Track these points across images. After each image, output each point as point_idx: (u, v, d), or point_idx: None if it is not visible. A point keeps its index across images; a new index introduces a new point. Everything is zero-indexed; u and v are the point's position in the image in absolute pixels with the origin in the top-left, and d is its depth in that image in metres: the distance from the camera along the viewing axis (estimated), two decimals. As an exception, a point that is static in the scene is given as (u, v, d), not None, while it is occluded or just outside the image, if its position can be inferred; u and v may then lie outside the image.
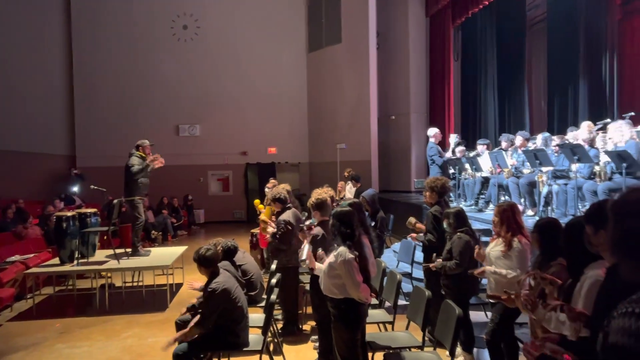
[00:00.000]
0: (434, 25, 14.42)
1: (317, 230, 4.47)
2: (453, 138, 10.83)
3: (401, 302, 5.18)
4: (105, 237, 8.95)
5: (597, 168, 6.61)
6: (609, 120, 9.05)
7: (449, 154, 10.39)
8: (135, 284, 8.24)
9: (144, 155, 7.69)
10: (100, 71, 15.97)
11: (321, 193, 4.76)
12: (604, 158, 6.53)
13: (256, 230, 8.12)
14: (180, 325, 4.58)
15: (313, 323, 5.57)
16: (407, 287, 6.27)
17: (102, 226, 8.04)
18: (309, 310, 5.61)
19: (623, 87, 15.23)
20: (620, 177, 5.85)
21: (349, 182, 10.38)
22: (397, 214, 10.11)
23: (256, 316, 4.70)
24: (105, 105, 16.02)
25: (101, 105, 15.99)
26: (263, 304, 5.08)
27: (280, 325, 5.69)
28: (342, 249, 3.54)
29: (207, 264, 4.04)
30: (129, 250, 7.81)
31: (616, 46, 15.06)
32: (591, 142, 7.07)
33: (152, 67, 16.22)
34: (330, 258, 3.61)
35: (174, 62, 16.30)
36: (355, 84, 14.72)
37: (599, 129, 8.12)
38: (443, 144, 11.65)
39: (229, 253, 4.99)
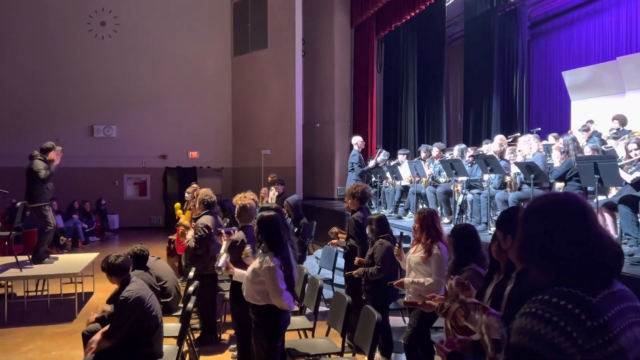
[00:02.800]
0: (358, 36, 14.72)
1: (238, 236, 4.35)
2: (383, 155, 11.04)
3: (322, 308, 5.17)
4: (6, 243, 8.24)
5: (507, 178, 7.00)
6: (519, 134, 9.64)
7: (372, 164, 10.62)
8: (39, 293, 7.64)
9: (50, 159, 7.12)
10: (5, 66, 14.81)
11: (243, 198, 4.66)
12: (514, 169, 6.91)
13: (174, 237, 7.82)
14: (87, 336, 4.27)
15: (232, 332, 5.42)
16: (328, 293, 6.27)
17: (3, 231, 7.40)
18: (228, 318, 5.46)
19: (532, 104, 16.36)
20: (529, 188, 6.20)
21: (272, 187, 10.30)
22: (321, 220, 10.16)
23: (171, 325, 4.49)
24: (10, 102, 14.85)
25: (5, 102, 14.81)
26: (179, 312, 4.87)
27: (197, 334, 5.49)
28: (267, 255, 3.46)
29: (117, 272, 3.80)
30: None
31: (526, 65, 16.17)
32: (502, 154, 7.48)
33: (66, 63, 15.28)
34: (255, 264, 3.52)
35: (89, 59, 15.45)
36: (280, 90, 14.69)
37: (509, 142, 8.62)
38: (366, 152, 11.88)
39: (138, 259, 4.61)
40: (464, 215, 7.83)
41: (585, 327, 1.27)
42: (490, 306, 2.50)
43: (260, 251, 3.54)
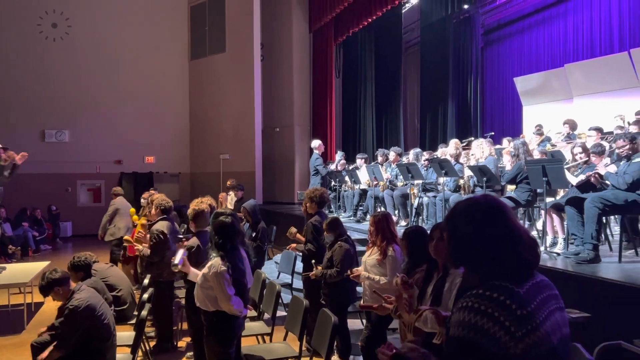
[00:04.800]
0: (317, 41, 14.81)
1: (193, 242, 4.29)
2: (339, 155, 11.19)
3: (282, 313, 5.15)
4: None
5: (461, 181, 7.18)
6: (473, 138, 9.91)
7: (332, 167, 10.73)
8: (-15, 304, 7.31)
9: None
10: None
11: (199, 203, 4.61)
12: (467, 172, 7.10)
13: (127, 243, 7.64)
14: (37, 348, 4.12)
15: (188, 339, 5.34)
16: (287, 297, 6.25)
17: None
18: (185, 326, 5.37)
19: (485, 109, 16.85)
20: (482, 190, 6.38)
21: (231, 192, 10.20)
22: (281, 225, 10.13)
23: (125, 334, 4.38)
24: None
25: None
26: (134, 320, 4.76)
27: (153, 343, 5.38)
28: (216, 260, 3.44)
29: (59, 283, 3.70)
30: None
31: (480, 71, 16.65)
32: (456, 158, 7.67)
33: (16, 66, 14.71)
34: (205, 269, 3.48)
35: (40, 62, 14.93)
36: (239, 94, 14.60)
37: (464, 146, 8.86)
38: (325, 156, 11.95)
39: (80, 269, 4.22)
40: (420, 218, 7.98)
41: (515, 316, 1.38)
42: (430, 304, 2.58)
43: (211, 256, 3.52)
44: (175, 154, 16.26)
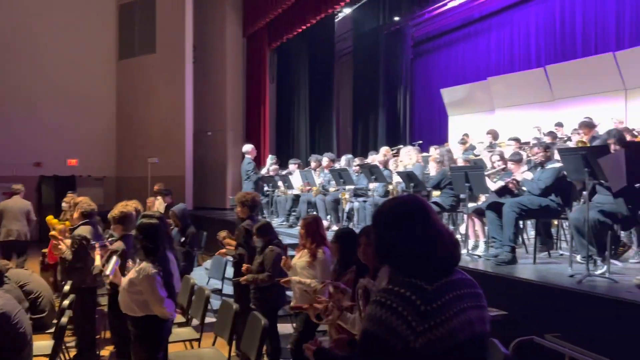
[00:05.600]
0: (250, 46, 14.74)
1: (117, 245, 4.14)
2: (270, 159, 11.18)
3: (211, 319, 5.06)
4: None
5: (390, 187, 7.40)
6: (402, 146, 10.24)
7: (264, 171, 10.70)
8: None
9: None
10: None
11: (125, 206, 4.46)
12: (396, 178, 7.33)
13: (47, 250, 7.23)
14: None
15: (112, 348, 5.12)
16: (217, 304, 6.15)
17: None
18: (108, 334, 5.15)
19: (414, 118, 17.43)
20: (409, 195, 6.58)
21: (159, 197, 9.92)
22: (212, 231, 9.92)
23: (43, 343, 4.14)
24: None
25: None
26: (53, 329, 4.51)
27: (73, 352, 5.11)
28: (145, 264, 3.33)
29: None
30: None
31: (409, 82, 17.23)
32: (386, 164, 7.90)
33: None
34: (132, 274, 3.37)
35: (-50, 55, 13.88)
36: (170, 96, 14.24)
37: (394, 154, 9.14)
38: (258, 161, 11.90)
39: None
40: (351, 223, 8.13)
41: (419, 311, 1.44)
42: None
43: (138, 259, 3.41)
44: (100, 156, 15.56)
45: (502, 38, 14.50)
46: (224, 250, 5.68)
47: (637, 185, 4.29)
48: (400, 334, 1.43)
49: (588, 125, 7.13)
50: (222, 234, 5.63)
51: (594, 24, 12.16)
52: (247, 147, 10.35)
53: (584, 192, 4.65)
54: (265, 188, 10.41)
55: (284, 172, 10.42)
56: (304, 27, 13.51)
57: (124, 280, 3.42)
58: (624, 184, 4.05)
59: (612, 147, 4.47)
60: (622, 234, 5.16)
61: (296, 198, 9.51)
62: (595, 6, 12.12)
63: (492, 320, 3.77)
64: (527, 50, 13.78)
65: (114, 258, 3.80)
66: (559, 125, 9.40)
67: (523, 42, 13.92)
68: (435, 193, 6.72)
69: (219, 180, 14.43)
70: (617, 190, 4.25)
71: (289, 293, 5.01)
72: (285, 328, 5.69)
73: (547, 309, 4.08)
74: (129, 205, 4.46)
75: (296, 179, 9.58)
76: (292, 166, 10.31)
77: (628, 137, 5.77)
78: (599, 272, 4.29)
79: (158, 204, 9.70)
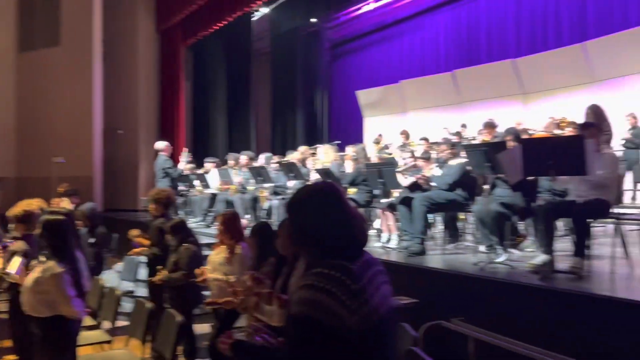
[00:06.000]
0: (165, 42, 14.30)
1: (18, 246, 3.87)
2: (185, 156, 10.88)
3: (123, 322, 4.87)
4: None
5: (308, 184, 7.50)
6: (319, 145, 10.41)
7: (181, 168, 10.42)
8: None
9: None
10: None
11: (29, 204, 4.19)
12: (314, 175, 7.44)
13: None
14: None
15: (13, 357, 4.77)
16: (130, 306, 5.92)
17: None
18: (7, 343, 4.79)
19: (332, 118, 17.77)
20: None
21: (65, 198, 9.37)
22: (123, 233, 9.51)
23: None
24: None
25: None
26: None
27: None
28: (51, 262, 3.15)
29: None
30: None
31: (327, 84, 17.55)
32: (304, 162, 7.99)
33: None
34: (37, 272, 3.17)
35: None
36: (76, 92, 13.44)
37: (312, 153, 9.28)
38: (174, 160, 11.56)
39: None
40: (270, 220, 8.13)
41: (350, 290, 1.51)
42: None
43: (44, 258, 3.22)
44: (-2, 155, 14.41)
45: (414, 43, 15.15)
46: (137, 250, 5.49)
47: (531, 178, 4.69)
48: (336, 314, 1.49)
49: (490, 126, 7.65)
50: (134, 232, 5.45)
51: (497, 32, 13.06)
52: (161, 145, 10.02)
53: (486, 186, 4.99)
54: (181, 187, 10.14)
55: (200, 171, 10.21)
56: (220, 25, 13.31)
57: (28, 280, 3.22)
58: (521, 177, 4.40)
59: (510, 144, 4.85)
60: (519, 224, 5.59)
61: (213, 197, 9.36)
62: (498, 16, 13.03)
63: (404, 307, 3.96)
64: (437, 55, 14.50)
65: (18, 258, 3.56)
66: (464, 126, 10.02)
67: (433, 47, 14.64)
68: (351, 190, 6.89)
69: (130, 181, 13.86)
70: (515, 183, 4.61)
71: (206, 293, 4.94)
72: (202, 328, 5.60)
73: (454, 295, 4.34)
74: (33, 204, 4.20)
75: (213, 178, 9.42)
76: (209, 165, 10.13)
77: (525, 136, 6.25)
78: (499, 260, 4.62)
79: (64, 206, 9.16)
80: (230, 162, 9.92)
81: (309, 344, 1.51)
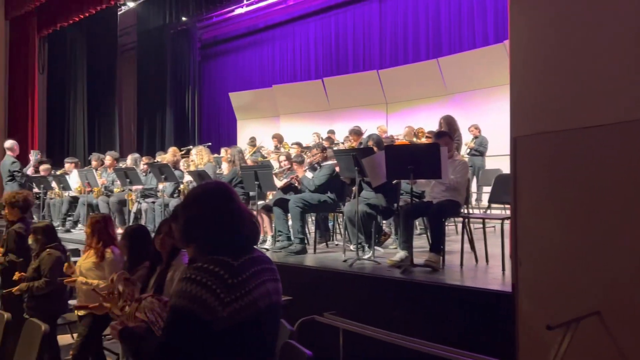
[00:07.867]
0: (15, 30, 12.93)
1: None
2: (33, 154, 9.98)
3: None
4: None
5: (182, 186, 7.37)
6: (191, 146, 10.23)
7: (30, 171, 9.54)
8: None
9: None
10: None
11: None
12: (187, 177, 7.34)
13: None
14: None
15: None
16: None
17: None
18: None
19: (203, 120, 17.47)
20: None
21: None
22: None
23: None
24: None
25: None
26: None
27: None
28: None
29: None
30: None
31: (197, 84, 17.20)
32: (176, 164, 7.83)
33: None
34: None
35: None
36: None
37: (183, 154, 9.09)
38: (21, 158, 10.53)
39: None
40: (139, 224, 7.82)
41: (226, 284, 1.62)
42: (153, 293, 2.71)
43: None
44: None
45: (286, 49, 15.50)
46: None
47: (394, 181, 5.14)
48: (209, 305, 1.58)
49: (357, 133, 8.17)
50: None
51: (362, 43, 13.88)
52: (10, 143, 9.13)
53: (354, 188, 5.35)
54: (35, 190, 9.28)
55: (58, 172, 9.45)
56: (81, 17, 12.43)
57: None
58: (384, 180, 4.80)
59: (374, 149, 5.27)
60: (384, 223, 6.07)
61: (74, 200, 8.75)
62: (363, 28, 13.85)
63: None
64: (308, 62, 15.00)
65: None
66: (332, 132, 10.52)
67: (304, 54, 15.11)
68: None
69: (-27, 183, 12.35)
70: (377, 186, 5.02)
71: (71, 302, 4.66)
72: (64, 339, 5.25)
73: (326, 291, 4.60)
74: None
75: (74, 180, 8.80)
76: (68, 165, 9.42)
77: (391, 142, 6.79)
78: (366, 256, 4.99)
79: None
80: (94, 163, 9.36)
81: (182, 333, 1.59)
